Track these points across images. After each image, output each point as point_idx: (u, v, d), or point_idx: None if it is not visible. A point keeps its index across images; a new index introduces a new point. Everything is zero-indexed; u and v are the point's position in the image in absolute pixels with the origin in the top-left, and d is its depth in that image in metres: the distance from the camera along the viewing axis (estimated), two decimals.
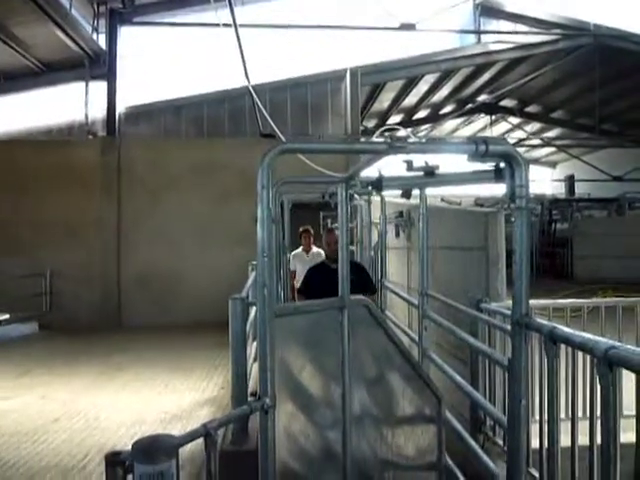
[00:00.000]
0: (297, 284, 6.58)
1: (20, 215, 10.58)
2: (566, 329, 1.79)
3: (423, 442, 2.49)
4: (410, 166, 2.17)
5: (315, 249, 7.40)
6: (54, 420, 5.31)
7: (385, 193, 5.74)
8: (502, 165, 2.08)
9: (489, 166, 2.13)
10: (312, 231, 7.57)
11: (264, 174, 1.87)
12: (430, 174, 2.12)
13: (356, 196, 6.10)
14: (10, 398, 6.10)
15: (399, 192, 3.10)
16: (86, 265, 11.05)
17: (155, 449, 1.37)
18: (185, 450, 1.46)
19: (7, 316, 7.07)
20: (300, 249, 7.42)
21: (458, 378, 3.03)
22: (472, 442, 2.90)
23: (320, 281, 4.15)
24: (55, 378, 6.91)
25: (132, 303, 11.15)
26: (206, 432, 1.64)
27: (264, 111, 8.48)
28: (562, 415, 2.88)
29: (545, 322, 1.88)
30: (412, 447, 2.45)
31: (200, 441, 1.61)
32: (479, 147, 1.97)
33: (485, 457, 2.73)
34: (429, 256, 4.05)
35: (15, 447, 4.57)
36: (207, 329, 8.92)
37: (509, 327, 2.17)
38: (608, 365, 1.41)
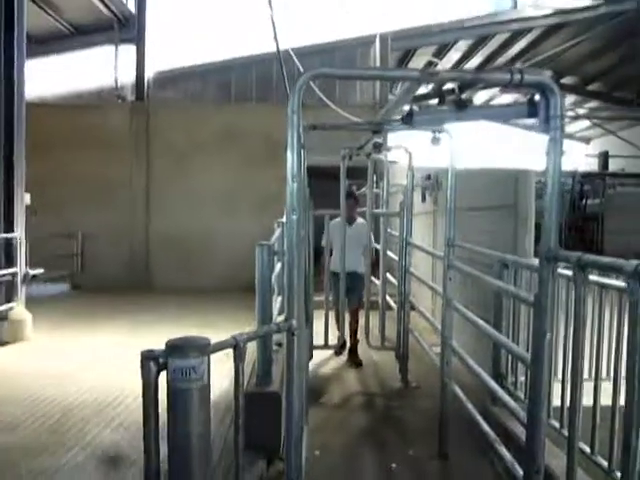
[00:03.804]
0: (332, 264, 5.82)
1: (53, 177, 10.80)
2: (593, 255, 1.79)
3: None
4: (442, 99, 2.15)
5: (360, 220, 6.18)
6: (88, 364, 5.56)
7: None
8: (537, 98, 2.04)
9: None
10: (357, 197, 6.32)
11: (295, 99, 1.88)
12: (462, 106, 2.10)
13: (382, 157, 6.04)
14: (46, 346, 6.39)
15: (424, 156, 3.06)
16: (116, 227, 11.31)
17: (188, 345, 1.42)
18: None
19: (42, 270, 7.29)
20: (339, 219, 5.81)
21: (481, 322, 3.04)
22: (493, 383, 2.92)
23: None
24: (87, 330, 7.18)
25: (160, 265, 11.40)
26: (235, 343, 1.69)
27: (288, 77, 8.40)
28: (585, 375, 2.89)
29: (572, 253, 1.87)
30: None
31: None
32: (514, 76, 1.94)
33: (506, 396, 2.75)
34: (456, 217, 3.96)
35: (53, 386, 4.80)
36: (233, 292, 9.07)
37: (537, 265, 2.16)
38: (639, 280, 1.41)
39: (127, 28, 11.77)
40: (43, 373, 5.25)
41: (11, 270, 6.76)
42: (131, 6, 11.80)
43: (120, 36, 11.79)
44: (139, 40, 11.80)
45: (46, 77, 11.76)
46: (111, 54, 11.87)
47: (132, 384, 4.75)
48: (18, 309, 6.76)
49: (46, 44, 12.08)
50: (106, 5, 10.88)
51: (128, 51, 11.86)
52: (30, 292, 7.29)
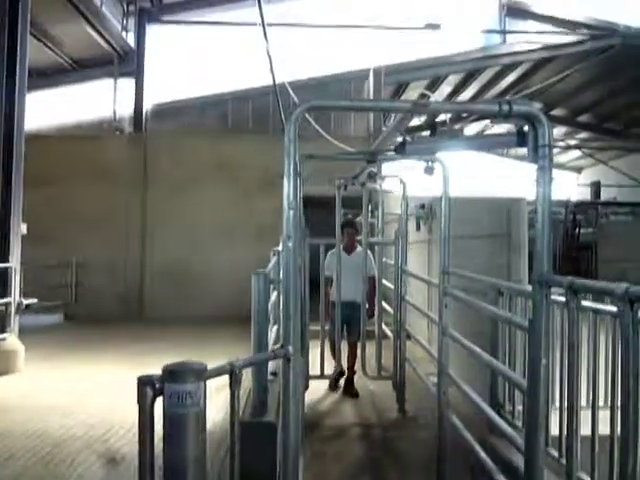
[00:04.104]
0: (332, 295, 5.74)
1: (49, 207, 10.85)
2: (585, 280, 1.81)
3: None
4: (434, 130, 2.21)
5: (360, 248, 5.92)
6: (79, 398, 5.46)
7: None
8: (525, 128, 2.11)
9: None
10: (357, 226, 6.14)
11: (291, 128, 1.93)
12: (454, 137, 2.16)
13: (377, 186, 6.12)
14: (37, 378, 6.31)
15: (419, 186, 3.13)
16: (111, 258, 11.30)
17: (184, 371, 1.43)
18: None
19: (35, 300, 7.25)
20: (338, 247, 5.66)
21: (477, 349, 3.04)
22: (491, 411, 2.91)
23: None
24: (79, 362, 7.10)
25: (154, 296, 11.36)
26: (231, 370, 1.69)
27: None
28: (583, 403, 2.87)
29: (564, 277, 1.90)
30: None
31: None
32: (502, 107, 2.01)
33: (504, 425, 2.73)
34: (451, 246, 3.98)
35: (43, 420, 4.72)
36: (227, 323, 9.02)
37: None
38: (629, 302, 1.43)
39: (126, 62, 12.04)
40: (34, 405, 5.17)
41: (4, 300, 6.72)
42: (130, 41, 12.09)
43: (119, 70, 12.05)
44: (138, 74, 12.06)
45: (46, 109, 11.94)
46: (110, 87, 12.11)
47: (123, 416, 4.73)
48: (10, 339, 6.69)
49: (47, 77, 12.31)
50: (106, 40, 11.15)
51: (127, 84, 12.10)
52: (23, 322, 7.23)
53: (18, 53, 6.79)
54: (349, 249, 5.95)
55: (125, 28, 12.05)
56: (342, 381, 5.96)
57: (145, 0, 11.93)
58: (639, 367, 1.54)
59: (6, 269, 6.75)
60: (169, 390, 1.41)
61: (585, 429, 2.72)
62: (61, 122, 12.32)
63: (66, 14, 9.92)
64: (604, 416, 2.71)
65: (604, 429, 2.69)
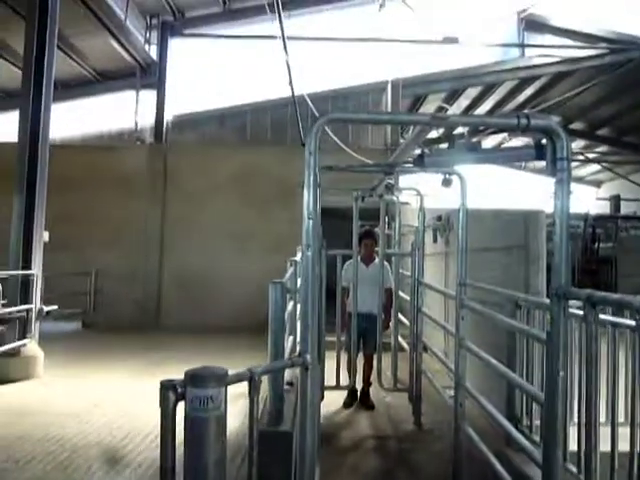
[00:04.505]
0: (349, 306, 5.67)
1: (71, 215, 11.05)
2: (603, 293, 1.81)
3: None
4: (452, 143, 2.23)
5: (377, 260, 5.88)
6: (97, 405, 5.52)
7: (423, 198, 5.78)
8: (543, 141, 2.12)
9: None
10: (376, 236, 6.03)
11: (312, 141, 1.98)
12: (472, 149, 2.18)
13: (394, 198, 6.14)
14: (56, 384, 6.40)
15: (436, 197, 3.15)
16: (129, 266, 11.45)
17: (206, 375, 1.46)
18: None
19: (56, 307, 7.38)
20: (356, 258, 5.65)
21: (494, 361, 3.03)
22: (508, 424, 2.89)
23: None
24: (97, 369, 7.18)
25: (172, 305, 11.45)
26: (250, 376, 1.73)
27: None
28: (602, 419, 2.83)
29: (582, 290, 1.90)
30: None
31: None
32: (521, 121, 2.02)
33: (522, 438, 2.71)
34: (468, 258, 3.97)
35: (61, 426, 4.79)
36: (243, 332, 9.06)
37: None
38: None
39: (148, 74, 12.29)
40: (53, 411, 5.25)
41: (26, 306, 6.85)
42: (153, 53, 12.35)
43: (141, 82, 12.30)
44: (159, 86, 12.30)
45: (69, 119, 12.22)
46: (132, 98, 12.35)
47: (141, 423, 4.78)
48: (31, 345, 6.81)
49: (70, 88, 12.62)
50: (129, 53, 11.40)
51: (148, 96, 12.33)
52: (42, 329, 7.35)
53: (45, 65, 6.99)
54: (367, 260, 5.90)
55: (148, 41, 12.32)
56: (356, 403, 5.86)
57: (168, 14, 12.19)
58: None
59: (28, 276, 6.89)
60: (191, 394, 1.44)
61: (604, 445, 2.69)
62: (84, 132, 12.60)
63: (91, 27, 10.17)
64: (624, 433, 2.68)
65: (624, 446, 2.66)
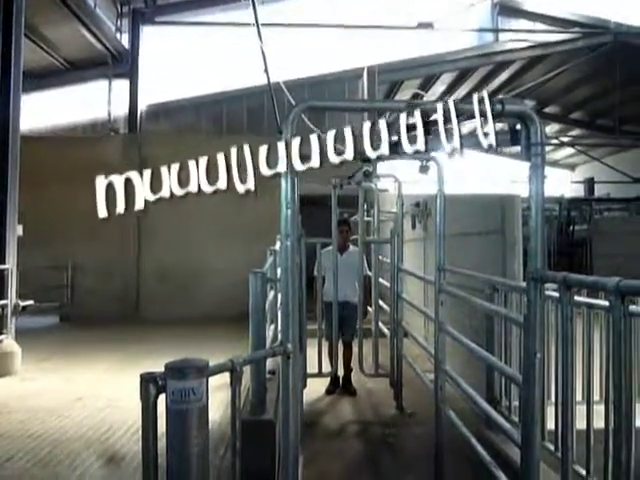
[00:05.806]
0: (325, 295, 5.72)
1: (44, 209, 10.81)
2: (578, 275, 1.85)
3: None
4: (428, 130, 2.24)
5: (352, 248, 5.99)
6: (77, 399, 5.45)
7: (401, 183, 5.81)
8: (518, 127, 2.14)
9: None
10: (351, 225, 6.15)
11: (288, 129, 1.97)
12: (448, 135, 2.19)
13: (372, 185, 6.15)
14: (35, 379, 6.30)
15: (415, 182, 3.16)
16: (106, 259, 11.28)
17: (186, 367, 1.46)
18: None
19: (32, 302, 7.24)
20: (330, 247, 5.68)
21: (473, 345, 3.08)
22: (487, 406, 2.95)
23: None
24: (76, 363, 7.08)
25: (150, 297, 11.34)
26: (232, 367, 1.72)
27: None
28: (578, 397, 2.91)
29: (558, 273, 1.94)
30: None
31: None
32: (495, 106, 2.04)
33: (501, 419, 2.77)
34: (446, 243, 4.00)
35: (41, 421, 4.72)
36: (224, 323, 9.02)
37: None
38: (620, 296, 1.47)
39: (120, 63, 12.02)
40: (32, 407, 5.16)
41: (1, 302, 6.71)
42: (124, 42, 12.08)
43: (114, 71, 12.02)
44: (132, 74, 12.04)
45: (40, 110, 11.91)
46: (105, 88, 12.08)
47: (121, 416, 4.74)
48: (7, 341, 6.68)
49: (41, 78, 12.28)
50: (100, 41, 11.13)
51: (121, 85, 12.08)
52: (18, 324, 7.21)
53: (13, 55, 6.78)
54: (341, 249, 5.88)
55: (119, 29, 12.04)
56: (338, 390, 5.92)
57: (139, 1, 11.92)
58: (630, 360, 1.57)
59: (2, 271, 6.74)
60: (172, 387, 1.44)
61: (581, 423, 2.77)
62: (55, 124, 12.29)
63: (60, 15, 9.89)
64: (599, 410, 2.76)
65: (599, 423, 2.74)
